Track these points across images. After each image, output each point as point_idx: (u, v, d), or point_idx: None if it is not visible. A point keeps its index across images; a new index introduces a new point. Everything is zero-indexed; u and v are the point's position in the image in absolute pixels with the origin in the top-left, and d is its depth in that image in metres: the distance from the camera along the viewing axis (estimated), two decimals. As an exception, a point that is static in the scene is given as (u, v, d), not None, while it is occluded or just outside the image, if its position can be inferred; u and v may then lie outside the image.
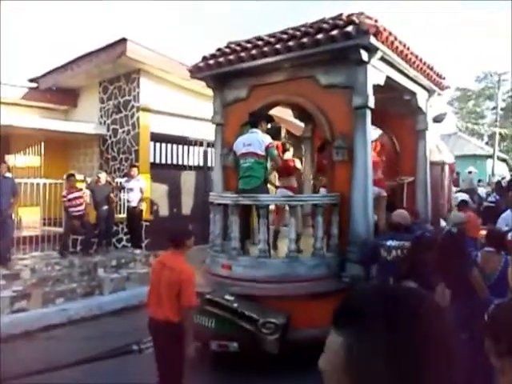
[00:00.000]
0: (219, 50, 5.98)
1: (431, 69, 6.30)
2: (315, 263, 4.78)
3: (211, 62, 5.84)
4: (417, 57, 5.75)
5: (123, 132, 10.11)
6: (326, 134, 5.29)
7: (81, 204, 7.98)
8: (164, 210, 10.34)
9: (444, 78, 6.88)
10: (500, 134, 23.33)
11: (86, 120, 10.58)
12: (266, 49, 5.27)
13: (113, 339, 4.92)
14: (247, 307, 4.30)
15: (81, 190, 8.17)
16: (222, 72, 5.83)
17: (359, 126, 4.96)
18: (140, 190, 8.90)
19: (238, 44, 5.80)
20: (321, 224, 4.85)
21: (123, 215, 9.39)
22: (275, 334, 4.17)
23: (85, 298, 6.85)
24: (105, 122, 10.58)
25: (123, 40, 8.80)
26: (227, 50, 5.79)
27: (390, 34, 4.89)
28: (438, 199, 7.47)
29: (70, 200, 7.85)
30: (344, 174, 5.08)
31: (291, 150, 6.88)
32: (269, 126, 5.98)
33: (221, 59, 5.71)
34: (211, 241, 5.38)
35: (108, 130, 10.48)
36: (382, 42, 4.79)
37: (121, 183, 9.21)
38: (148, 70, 9.61)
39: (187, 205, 10.82)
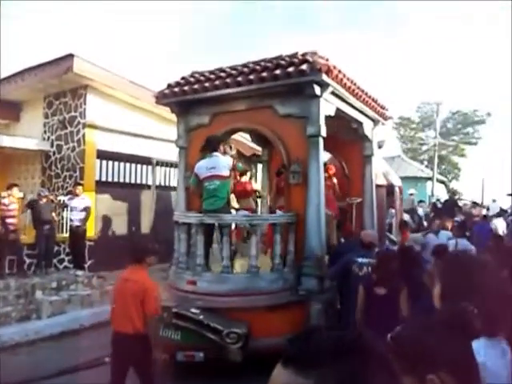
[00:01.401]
0: (183, 78, 6.39)
1: (375, 101, 7.02)
2: (274, 278, 5.19)
3: (176, 89, 6.22)
4: (363, 91, 6.42)
5: (68, 148, 9.91)
6: (283, 159, 5.79)
7: (15, 217, 7.77)
8: (110, 230, 10.17)
9: (387, 110, 7.64)
10: (438, 157, 25.25)
11: (29, 135, 10.28)
12: (228, 80, 5.74)
13: (48, 365, 4.88)
14: (212, 319, 4.63)
15: (15, 203, 7.92)
16: (187, 99, 6.22)
17: (313, 153, 5.50)
18: (84, 208, 8.74)
19: (202, 74, 6.23)
20: (279, 241, 5.29)
21: (65, 235, 9.14)
22: (238, 343, 4.52)
23: (20, 323, 6.47)
24: (49, 138, 10.33)
25: (70, 56, 8.75)
26: (191, 79, 6.20)
27: (340, 71, 5.51)
28: (383, 218, 8.19)
29: (10, 210, 7.60)
30: (299, 195, 5.57)
31: (248, 173, 7.36)
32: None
33: (186, 87, 6.11)
34: (175, 258, 5.67)
35: (52, 146, 10.22)
36: (333, 79, 5.40)
37: (64, 201, 9.00)
38: (95, 87, 9.56)
39: (135, 224, 10.72)
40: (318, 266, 5.32)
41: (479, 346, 1.41)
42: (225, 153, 5.74)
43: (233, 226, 6.14)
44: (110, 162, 10.17)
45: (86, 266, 9.09)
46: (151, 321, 3.73)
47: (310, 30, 73.21)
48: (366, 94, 6.56)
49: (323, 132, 5.49)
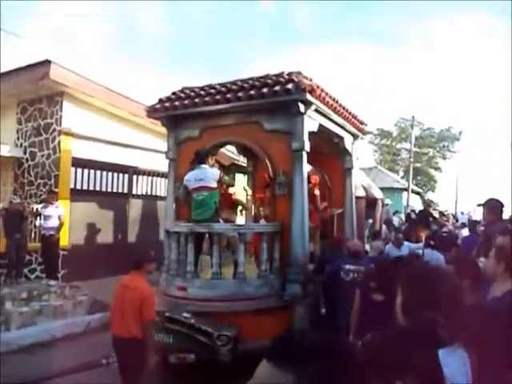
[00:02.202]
0: (174, 93, 6.69)
1: (355, 117, 7.45)
2: (260, 283, 5.48)
3: (167, 104, 6.52)
4: (343, 108, 6.84)
5: (42, 156, 9.76)
6: (269, 172, 6.13)
7: None
8: (84, 239, 10.02)
9: (366, 125, 8.09)
10: (414, 169, 26.15)
11: (0, 141, 9.88)
12: (218, 97, 6.06)
13: (17, 378, 4.79)
14: (203, 323, 4.89)
15: None
16: (177, 114, 6.52)
17: (297, 166, 5.85)
18: (58, 217, 8.60)
19: (192, 90, 6.55)
20: (265, 249, 5.60)
21: (38, 244, 8.98)
22: (228, 345, 4.79)
23: (-13, 335, 6.14)
24: (22, 145, 10.16)
25: (47, 62, 8.64)
26: (182, 95, 6.51)
27: (322, 90, 5.90)
28: (362, 228, 8.62)
29: None
30: (284, 205, 5.91)
31: (235, 184, 7.68)
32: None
33: (176, 103, 6.41)
34: (166, 265, 5.91)
35: (25, 153, 10.03)
36: (316, 98, 5.78)
37: (37, 209, 8.84)
38: (72, 94, 9.44)
39: (114, 233, 10.69)
40: (302, 272, 5.65)
41: (440, 355, 1.46)
42: (213, 165, 6.05)
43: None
44: (86, 170, 10.02)
45: (59, 275, 8.91)
46: (148, 326, 3.95)
47: (291, 42, 74.57)
48: (347, 110, 6.98)
49: (307, 147, 5.85)
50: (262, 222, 6.87)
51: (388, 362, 1.25)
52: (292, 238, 5.75)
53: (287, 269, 5.70)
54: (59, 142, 9.53)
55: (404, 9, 63.65)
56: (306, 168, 6.12)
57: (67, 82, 9.01)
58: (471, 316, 1.93)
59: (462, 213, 17.16)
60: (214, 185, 5.81)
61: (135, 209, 11.29)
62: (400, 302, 1.66)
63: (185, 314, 4.94)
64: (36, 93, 9.69)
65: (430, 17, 64.92)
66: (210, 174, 5.79)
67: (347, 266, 5.12)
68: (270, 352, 0.83)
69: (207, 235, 5.82)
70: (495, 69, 67.48)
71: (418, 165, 30.85)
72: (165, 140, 10.76)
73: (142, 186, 11.50)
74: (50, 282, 8.04)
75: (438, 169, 35.38)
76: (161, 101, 6.65)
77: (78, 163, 9.82)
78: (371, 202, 9.10)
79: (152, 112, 6.74)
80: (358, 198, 8.16)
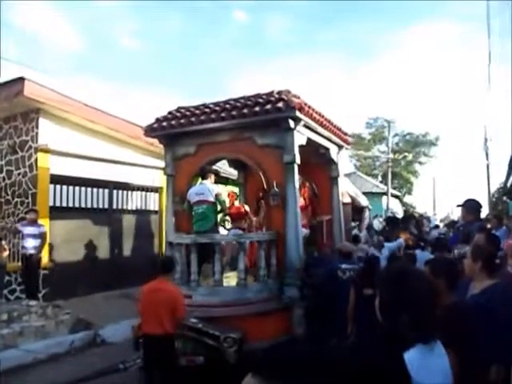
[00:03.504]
0: (170, 113, 7.09)
1: (339, 129, 7.96)
2: (260, 288, 5.90)
3: (164, 123, 6.91)
4: (329, 121, 7.34)
5: (19, 174, 9.69)
6: (263, 184, 6.58)
7: None
8: (65, 257, 9.90)
9: (349, 136, 8.62)
10: (392, 172, 27.00)
11: None
12: (213, 115, 6.49)
13: None
14: (210, 327, 5.27)
15: None
16: (174, 132, 6.92)
17: (289, 178, 6.30)
18: (39, 235, 8.44)
19: (187, 109, 6.96)
20: (263, 256, 6.02)
21: (17, 263, 8.85)
22: (234, 346, 5.17)
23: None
24: None
25: (21, 79, 8.55)
26: (178, 114, 6.92)
27: (310, 107, 6.39)
28: (349, 232, 9.12)
29: None
30: (279, 215, 6.34)
31: (238, 198, 8.27)
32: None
33: (173, 122, 6.81)
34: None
35: (1, 172, 10.03)
36: (305, 114, 6.25)
37: (16, 228, 8.73)
38: (48, 110, 9.37)
39: (96, 250, 10.68)
40: (298, 276, 6.09)
41: (414, 356, 1.51)
42: (216, 182, 6.55)
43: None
44: (65, 187, 9.95)
45: (40, 295, 8.86)
46: (180, 322, 4.67)
47: (267, 51, 75.57)
48: (332, 123, 7.49)
49: (297, 160, 6.31)
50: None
51: (356, 369, 1.25)
52: (287, 245, 6.18)
53: (284, 273, 6.13)
54: (36, 160, 9.44)
55: (377, 17, 65.27)
56: (298, 179, 6.58)
57: (42, 98, 8.93)
58: (449, 314, 2.14)
59: (435, 214, 18.28)
60: (213, 199, 6.30)
61: (118, 224, 11.31)
62: (377, 304, 1.72)
63: (192, 320, 5.32)
64: (11, 110, 9.58)
65: (403, 25, 66.68)
66: (209, 189, 6.30)
67: (343, 266, 5.70)
68: (255, 367, 0.86)
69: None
70: (468, 75, 69.73)
71: (396, 169, 31.79)
72: (144, 154, 11.33)
73: (122, 200, 11.52)
74: (31, 302, 7.95)
75: (414, 172, 36.38)
76: (158, 120, 7.04)
77: (57, 180, 9.76)
78: (357, 209, 9.67)
79: (150, 131, 7.11)
80: (344, 204, 8.66)
